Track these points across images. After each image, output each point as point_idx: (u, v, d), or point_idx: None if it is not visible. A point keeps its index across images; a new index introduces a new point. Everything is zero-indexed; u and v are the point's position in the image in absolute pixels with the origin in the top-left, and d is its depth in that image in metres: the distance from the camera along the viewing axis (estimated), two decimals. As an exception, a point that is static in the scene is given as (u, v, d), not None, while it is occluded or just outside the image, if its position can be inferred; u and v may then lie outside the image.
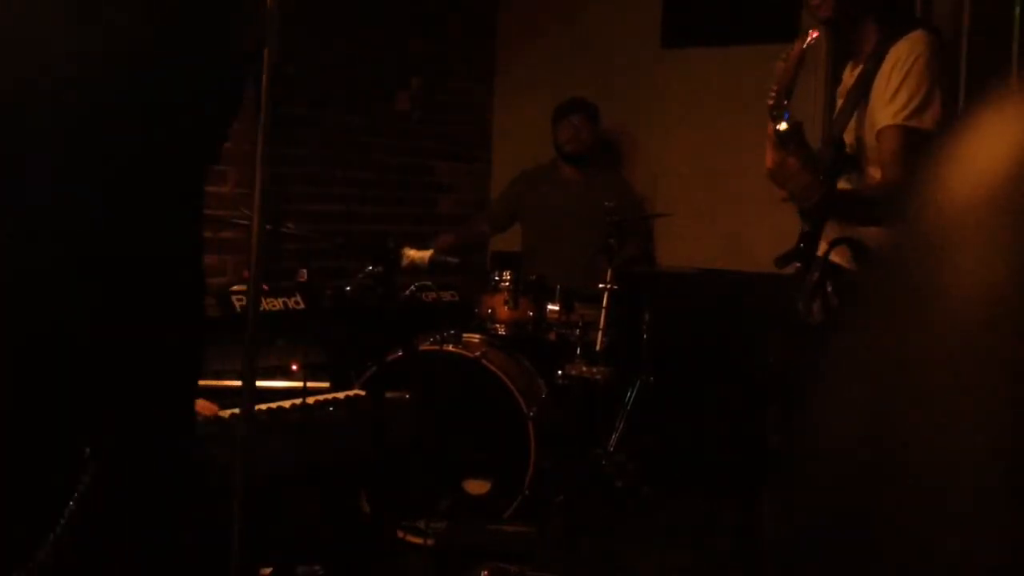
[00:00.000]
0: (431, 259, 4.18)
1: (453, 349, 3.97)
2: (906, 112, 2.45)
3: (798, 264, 2.64)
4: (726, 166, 4.94)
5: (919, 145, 2.42)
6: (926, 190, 0.50)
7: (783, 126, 2.41)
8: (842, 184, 2.62)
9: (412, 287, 4.06)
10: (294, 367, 3.07)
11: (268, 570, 2.73)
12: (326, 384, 3.20)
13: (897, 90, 2.47)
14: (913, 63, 2.45)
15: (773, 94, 2.44)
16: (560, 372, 4.13)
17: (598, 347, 4.11)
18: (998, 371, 0.43)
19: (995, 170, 0.47)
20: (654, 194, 5.24)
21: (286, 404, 2.81)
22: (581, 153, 4.94)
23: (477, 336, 4.16)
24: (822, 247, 2.56)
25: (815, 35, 2.49)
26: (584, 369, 4.08)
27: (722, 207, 5.00)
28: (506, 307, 4.27)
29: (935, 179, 0.50)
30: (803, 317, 2.61)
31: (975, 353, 0.44)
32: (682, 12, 5.17)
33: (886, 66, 2.49)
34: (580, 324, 4.23)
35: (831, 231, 2.58)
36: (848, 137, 2.62)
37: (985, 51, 3.78)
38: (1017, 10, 3.54)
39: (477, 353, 3.95)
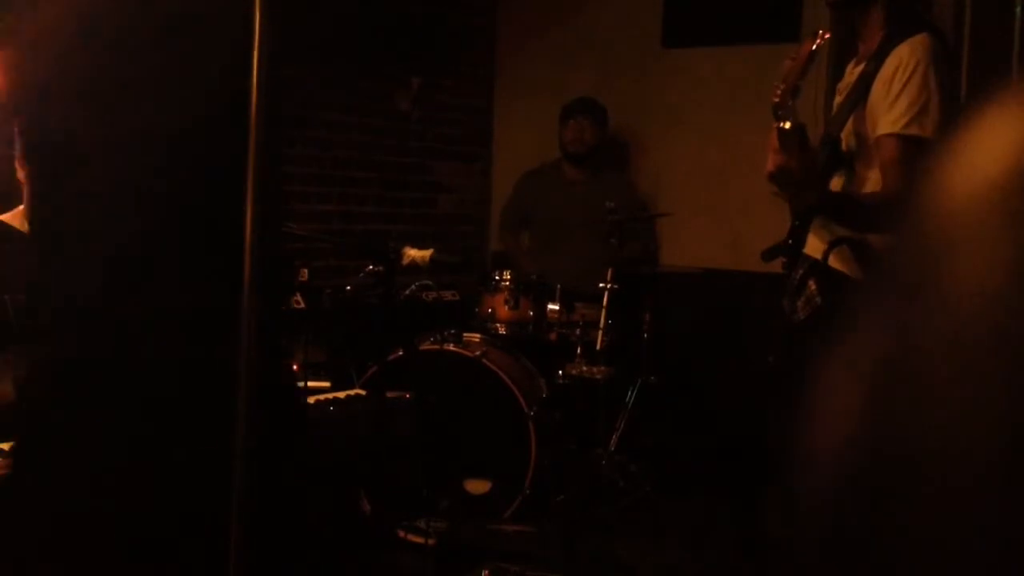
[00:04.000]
0: (431, 258, 4.18)
1: (453, 349, 3.97)
2: (905, 119, 2.44)
3: (783, 259, 2.64)
4: (727, 166, 4.94)
5: (918, 152, 2.41)
6: (926, 191, 0.50)
7: (787, 125, 2.41)
8: (835, 182, 2.62)
9: (412, 287, 4.07)
10: (294, 367, 3.07)
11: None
12: (326, 384, 3.20)
13: (897, 96, 2.46)
14: (914, 68, 2.45)
15: (779, 92, 2.44)
16: (561, 372, 4.13)
17: (599, 347, 4.11)
18: (997, 371, 0.43)
19: (995, 170, 0.47)
20: (655, 194, 5.24)
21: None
22: (584, 154, 4.94)
23: (477, 336, 4.16)
24: (820, 247, 2.56)
25: (827, 36, 2.49)
26: (585, 369, 4.09)
27: (723, 207, 5.01)
28: (506, 307, 4.28)
29: (935, 180, 0.50)
30: (788, 315, 2.62)
31: (974, 353, 0.44)
32: (683, 12, 5.17)
33: (887, 69, 2.49)
34: (581, 324, 4.23)
35: (828, 231, 2.58)
36: (844, 136, 2.62)
37: (985, 51, 3.78)
38: (1017, 10, 3.54)
39: (477, 353, 3.95)
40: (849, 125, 2.60)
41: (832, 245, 2.52)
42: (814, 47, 2.47)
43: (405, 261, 4.12)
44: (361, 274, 3.65)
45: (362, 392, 3.14)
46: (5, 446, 2.18)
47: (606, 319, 4.12)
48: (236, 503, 1.32)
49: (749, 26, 4.89)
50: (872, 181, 2.56)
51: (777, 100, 2.44)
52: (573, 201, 4.92)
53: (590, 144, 4.93)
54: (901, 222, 0.51)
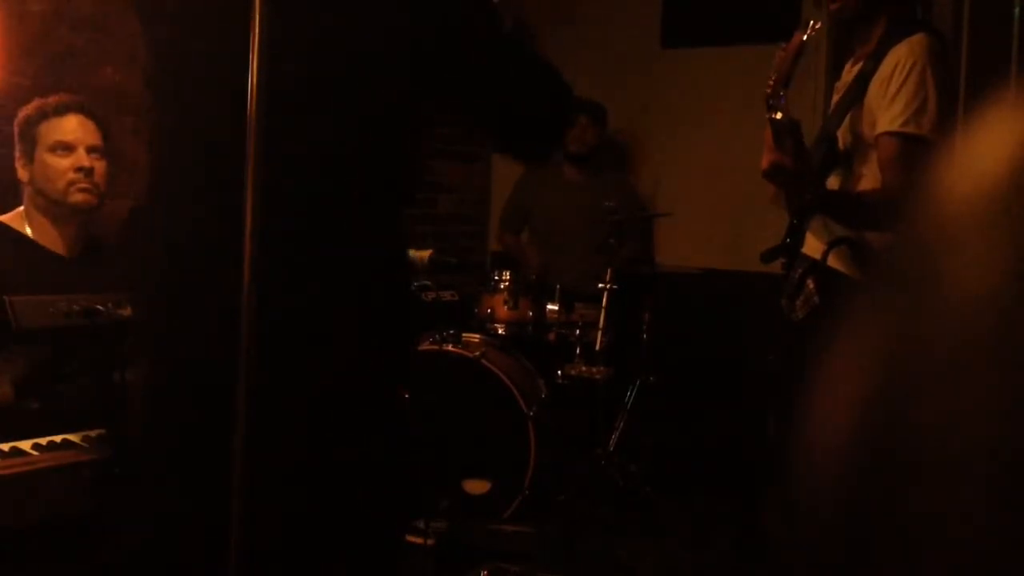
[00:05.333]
0: (431, 259, 4.18)
1: (453, 349, 3.97)
2: (903, 118, 2.45)
3: (783, 260, 2.65)
4: (726, 166, 4.94)
5: (916, 151, 2.42)
6: (926, 192, 0.50)
7: (779, 115, 2.41)
8: (832, 180, 2.62)
9: (412, 287, 4.06)
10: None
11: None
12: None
13: (895, 95, 2.47)
14: (911, 67, 2.45)
15: (771, 83, 2.45)
16: (560, 372, 4.13)
17: (598, 347, 4.11)
18: (997, 372, 0.43)
19: (995, 171, 0.47)
20: (655, 194, 5.24)
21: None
22: (584, 154, 4.94)
23: (477, 336, 4.16)
24: (819, 247, 2.56)
25: (817, 26, 2.49)
26: (584, 369, 4.09)
27: (722, 207, 5.01)
28: (506, 307, 4.28)
29: (935, 180, 0.50)
30: (787, 314, 2.62)
31: (974, 353, 0.44)
32: (682, 12, 5.17)
33: (885, 69, 2.49)
34: (580, 324, 4.23)
35: (827, 231, 2.58)
36: (841, 134, 2.63)
37: (985, 51, 3.78)
38: (1017, 10, 3.54)
39: (477, 353, 3.95)
40: (846, 123, 2.60)
41: (831, 245, 2.53)
42: (804, 37, 2.48)
43: (405, 261, 4.11)
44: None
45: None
46: (5, 447, 2.18)
47: (605, 319, 4.12)
48: (236, 503, 1.32)
49: (749, 26, 4.89)
50: (868, 178, 2.56)
51: (769, 91, 2.45)
52: (573, 201, 4.92)
53: (590, 144, 4.93)
54: (901, 221, 0.51)
